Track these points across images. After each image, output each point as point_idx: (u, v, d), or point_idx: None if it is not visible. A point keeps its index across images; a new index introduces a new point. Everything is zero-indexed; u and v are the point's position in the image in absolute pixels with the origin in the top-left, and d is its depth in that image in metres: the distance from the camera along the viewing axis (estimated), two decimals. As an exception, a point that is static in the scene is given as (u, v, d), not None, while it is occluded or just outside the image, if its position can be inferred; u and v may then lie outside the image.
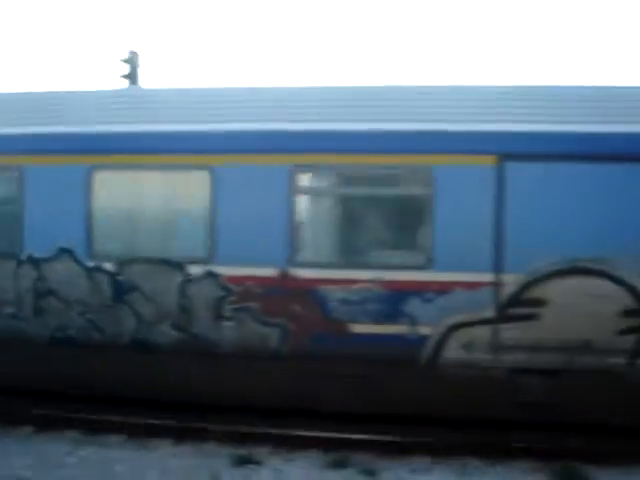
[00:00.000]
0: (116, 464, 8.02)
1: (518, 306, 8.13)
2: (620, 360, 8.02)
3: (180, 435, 8.80)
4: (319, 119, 8.63)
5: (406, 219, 8.51)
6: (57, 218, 9.04)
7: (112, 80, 20.49)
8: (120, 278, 8.91)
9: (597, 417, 8.34)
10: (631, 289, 7.94)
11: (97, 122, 9.15)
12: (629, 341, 7.99)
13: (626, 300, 7.95)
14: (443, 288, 8.21)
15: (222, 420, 9.04)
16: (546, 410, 8.34)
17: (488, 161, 8.16)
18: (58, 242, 9.02)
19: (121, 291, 8.92)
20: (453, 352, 8.27)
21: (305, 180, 8.74)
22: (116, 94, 9.83)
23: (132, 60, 19.55)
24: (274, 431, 8.72)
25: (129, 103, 9.43)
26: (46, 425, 9.13)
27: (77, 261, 9.01)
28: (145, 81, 20.77)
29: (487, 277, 8.14)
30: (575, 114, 8.30)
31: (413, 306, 8.28)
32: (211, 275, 8.67)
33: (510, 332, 8.15)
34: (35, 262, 9.13)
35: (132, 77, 19.57)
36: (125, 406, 9.43)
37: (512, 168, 8.14)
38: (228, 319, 8.67)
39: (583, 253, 8.00)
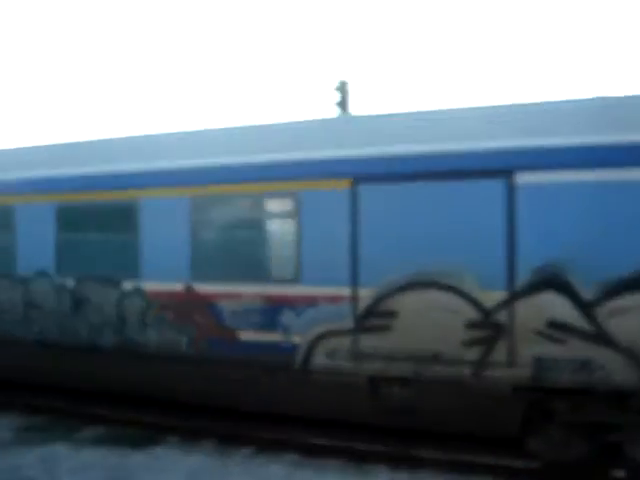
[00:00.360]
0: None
1: (373, 317, 8.78)
2: (466, 371, 8.36)
3: (396, 462, 9.09)
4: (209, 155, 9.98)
5: (279, 239, 9.43)
6: None
7: (326, 108, 22.60)
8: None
9: (450, 425, 8.77)
10: (474, 302, 8.28)
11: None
12: (473, 352, 8.32)
13: (470, 313, 8.30)
14: (310, 301, 9.09)
15: (437, 447, 9.46)
16: (405, 416, 8.89)
17: (343, 184, 8.92)
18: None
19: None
20: (320, 359, 9.10)
21: (198, 210, 10.06)
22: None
23: (342, 88, 21.08)
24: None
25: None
26: (266, 446, 9.71)
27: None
28: (355, 108, 22.31)
29: (346, 291, 8.90)
30: (415, 135, 8.77)
31: (286, 317, 9.26)
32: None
33: (367, 342, 8.82)
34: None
35: (343, 105, 21.19)
36: (341, 429, 9.94)
37: (364, 189, 8.82)
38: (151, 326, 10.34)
39: (430, 268, 8.47)
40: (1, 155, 12.25)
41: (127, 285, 10.48)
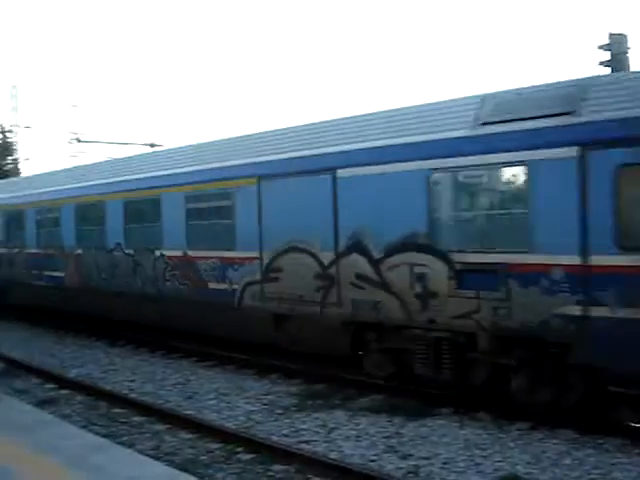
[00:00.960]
0: (614, 470, 7.96)
1: (270, 272, 12.89)
2: (316, 309, 12.11)
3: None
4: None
5: (225, 222, 13.94)
6: None
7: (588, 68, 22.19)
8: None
9: (318, 349, 12.61)
10: (319, 260, 12.06)
11: None
12: (319, 295, 12.06)
13: (317, 268, 12.10)
14: (242, 261, 13.39)
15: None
16: (294, 342, 12.82)
17: (254, 182, 13.07)
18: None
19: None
20: (247, 301, 13.35)
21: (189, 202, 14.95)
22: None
23: (616, 46, 17.90)
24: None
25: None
26: (542, 422, 9.65)
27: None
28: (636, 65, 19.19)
29: (256, 254, 13.12)
30: (296, 145, 12.76)
31: (230, 271, 13.62)
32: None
33: (268, 288, 12.95)
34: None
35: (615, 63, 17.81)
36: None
37: (263, 186, 12.95)
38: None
39: (297, 237, 12.41)
40: (150, 156, 18.46)
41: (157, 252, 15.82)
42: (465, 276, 10.09)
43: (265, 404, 11.52)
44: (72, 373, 14.07)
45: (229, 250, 13.75)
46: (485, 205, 10.44)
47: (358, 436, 9.67)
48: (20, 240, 22.05)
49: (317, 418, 10.58)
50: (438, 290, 10.38)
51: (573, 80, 9.67)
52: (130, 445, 8.73)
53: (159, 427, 10.33)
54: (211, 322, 14.56)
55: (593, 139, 8.80)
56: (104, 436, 8.52)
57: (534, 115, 9.48)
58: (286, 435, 9.82)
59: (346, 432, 9.86)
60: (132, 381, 13.39)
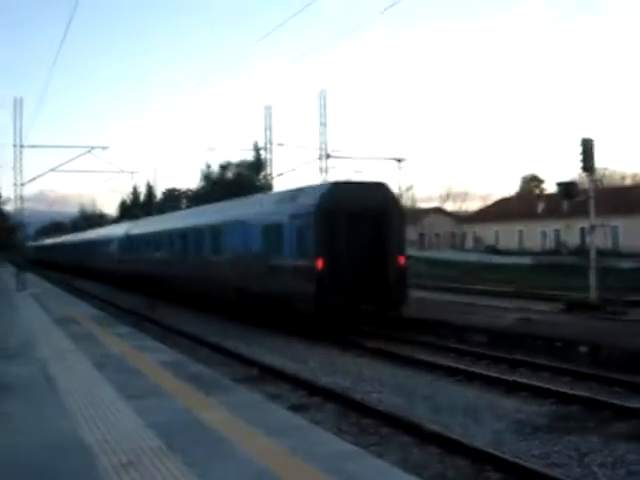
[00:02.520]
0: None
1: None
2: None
3: None
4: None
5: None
6: None
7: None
8: None
9: None
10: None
11: None
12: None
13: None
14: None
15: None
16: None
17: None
18: None
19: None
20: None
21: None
22: None
23: None
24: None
25: None
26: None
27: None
28: None
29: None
30: None
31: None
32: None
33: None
34: None
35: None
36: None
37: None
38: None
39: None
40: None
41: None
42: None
43: (514, 423, 11.17)
44: (322, 381, 14.47)
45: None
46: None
47: (614, 463, 9.14)
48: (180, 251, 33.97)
49: (569, 441, 10.12)
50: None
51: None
52: (379, 455, 8.81)
53: (407, 439, 10.36)
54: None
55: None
56: (354, 445, 8.65)
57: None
58: (535, 456, 9.50)
59: (601, 458, 9.33)
60: (380, 392, 13.54)
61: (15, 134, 38.83)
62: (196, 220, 32.87)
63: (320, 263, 20.24)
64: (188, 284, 31.54)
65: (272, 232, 23.11)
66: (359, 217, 20.89)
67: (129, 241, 44.43)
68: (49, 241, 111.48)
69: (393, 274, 21.08)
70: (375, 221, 21.18)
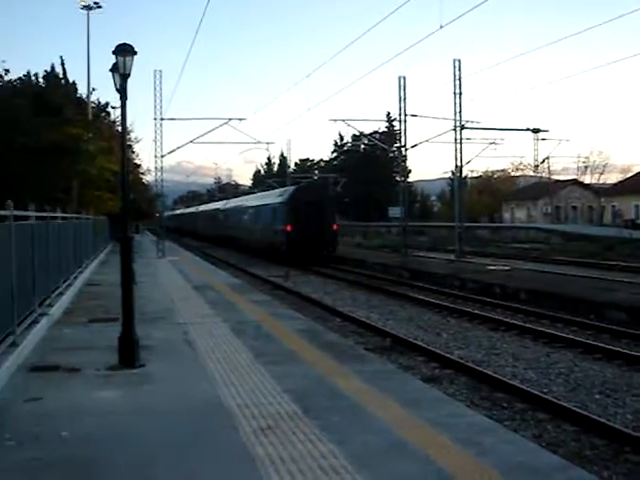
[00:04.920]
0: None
1: None
2: None
3: None
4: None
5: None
6: None
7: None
8: None
9: None
10: None
11: None
12: None
13: None
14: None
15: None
16: None
17: None
18: None
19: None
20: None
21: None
22: None
23: None
24: None
25: None
26: None
27: None
28: None
29: None
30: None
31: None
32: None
33: None
34: None
35: None
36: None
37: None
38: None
39: None
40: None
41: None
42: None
43: (656, 404, 10.79)
44: (455, 354, 14.40)
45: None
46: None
47: None
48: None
49: None
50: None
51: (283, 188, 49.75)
52: (513, 431, 8.73)
53: (542, 416, 10.21)
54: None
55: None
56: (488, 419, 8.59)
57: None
58: None
59: None
60: (514, 367, 13.37)
61: (155, 107, 40.17)
62: (243, 201, 61.65)
63: (289, 227, 39.98)
64: (242, 241, 52.96)
65: (271, 212, 44.42)
66: (311, 204, 40.19)
67: (224, 213, 64.98)
68: (184, 210, 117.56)
69: (328, 234, 40.41)
70: (319, 206, 40.48)
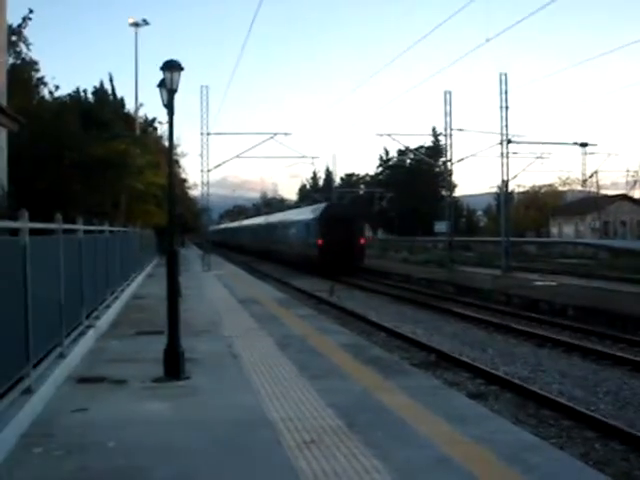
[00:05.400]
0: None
1: None
2: None
3: None
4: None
5: None
6: None
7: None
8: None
9: None
10: None
11: None
12: None
13: None
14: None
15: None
16: None
17: None
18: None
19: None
20: None
21: None
22: None
23: None
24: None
25: None
26: None
27: None
28: None
29: None
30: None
31: None
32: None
33: None
34: None
35: None
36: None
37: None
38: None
39: None
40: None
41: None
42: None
43: None
44: (501, 371, 14.25)
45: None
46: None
47: None
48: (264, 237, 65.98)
49: None
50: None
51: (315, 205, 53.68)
52: (559, 448, 8.61)
53: (589, 434, 10.07)
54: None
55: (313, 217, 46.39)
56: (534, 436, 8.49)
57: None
58: None
59: None
60: (561, 384, 13.19)
61: (202, 122, 40.58)
62: (280, 217, 64.32)
63: (320, 241, 43.31)
64: (279, 254, 56.50)
65: (304, 226, 48.03)
66: (341, 220, 43.74)
67: (264, 228, 68.82)
68: (229, 225, 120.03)
69: (356, 248, 43.77)
70: (348, 222, 44.02)
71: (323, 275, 40.26)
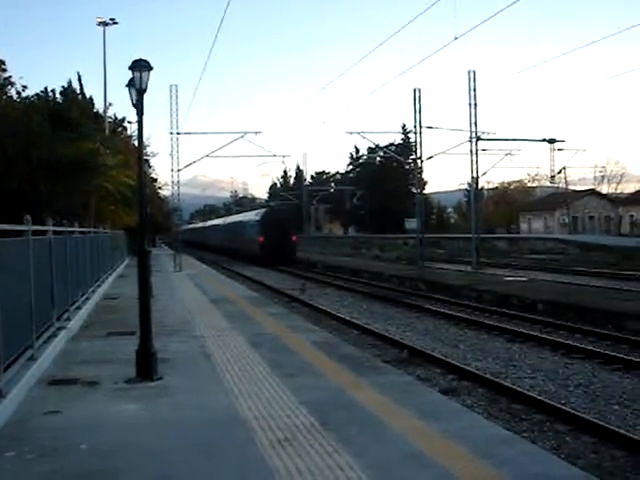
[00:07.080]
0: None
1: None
2: None
3: None
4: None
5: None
6: None
7: None
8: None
9: None
10: None
11: None
12: None
13: None
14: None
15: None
16: None
17: None
18: None
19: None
20: None
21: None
22: None
23: None
24: None
25: None
26: None
27: None
28: None
29: None
30: None
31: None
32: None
33: None
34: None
35: None
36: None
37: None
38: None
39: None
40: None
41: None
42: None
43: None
44: (472, 366, 14.33)
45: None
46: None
47: None
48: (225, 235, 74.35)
49: None
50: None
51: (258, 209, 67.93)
52: (531, 442, 8.70)
53: (561, 427, 10.16)
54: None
55: (256, 220, 59.80)
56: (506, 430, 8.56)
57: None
58: None
59: None
60: (533, 378, 13.30)
61: (172, 121, 40.38)
62: (233, 219, 76.06)
63: (262, 239, 53.29)
64: (233, 250, 65.03)
65: (250, 227, 57.92)
66: (278, 221, 54.49)
67: (223, 228, 78.58)
68: (196, 225, 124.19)
69: (290, 244, 53.88)
70: (283, 223, 54.50)
71: (264, 265, 50.44)
